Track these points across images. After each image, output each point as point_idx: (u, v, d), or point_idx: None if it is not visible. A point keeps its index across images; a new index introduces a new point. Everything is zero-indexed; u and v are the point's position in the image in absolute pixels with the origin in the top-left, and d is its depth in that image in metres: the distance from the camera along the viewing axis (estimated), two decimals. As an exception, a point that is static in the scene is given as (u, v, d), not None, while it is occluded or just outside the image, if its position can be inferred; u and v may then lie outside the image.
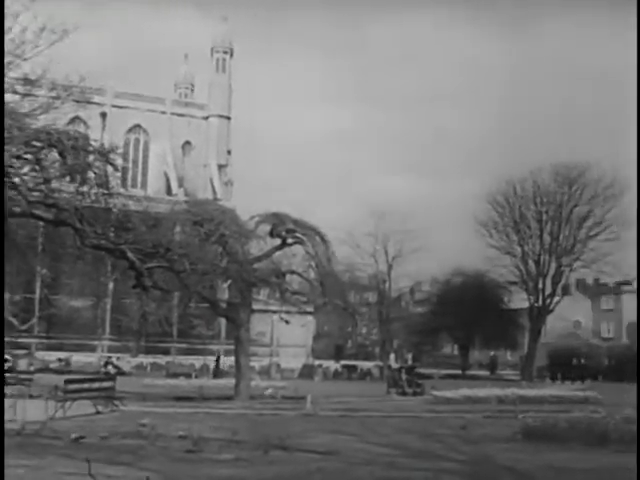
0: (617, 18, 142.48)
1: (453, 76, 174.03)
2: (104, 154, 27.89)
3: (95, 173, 27.05)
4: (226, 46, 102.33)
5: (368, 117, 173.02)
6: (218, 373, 57.76)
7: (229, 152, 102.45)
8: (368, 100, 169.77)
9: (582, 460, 16.59)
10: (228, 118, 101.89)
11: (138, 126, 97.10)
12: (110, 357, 65.56)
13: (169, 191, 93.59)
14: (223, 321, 65.91)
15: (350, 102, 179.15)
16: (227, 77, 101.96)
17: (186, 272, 32.19)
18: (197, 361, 67.56)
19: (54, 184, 27.13)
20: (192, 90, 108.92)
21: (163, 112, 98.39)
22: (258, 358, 64.74)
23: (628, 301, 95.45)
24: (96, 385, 28.51)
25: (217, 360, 60.48)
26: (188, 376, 55.29)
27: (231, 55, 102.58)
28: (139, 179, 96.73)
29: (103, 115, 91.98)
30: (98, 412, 26.12)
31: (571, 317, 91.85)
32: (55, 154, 26.35)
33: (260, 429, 22.19)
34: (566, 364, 76.03)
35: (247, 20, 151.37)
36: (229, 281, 38.75)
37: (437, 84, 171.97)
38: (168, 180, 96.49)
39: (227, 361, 56.09)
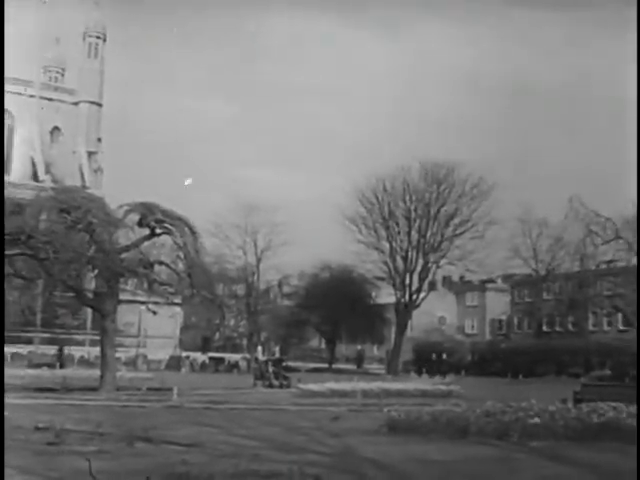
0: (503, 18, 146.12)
1: (339, 74, 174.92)
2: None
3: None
4: (99, 31, 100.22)
5: (243, 109, 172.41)
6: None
7: (99, 139, 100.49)
8: (245, 92, 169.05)
9: (443, 452, 16.93)
10: (99, 105, 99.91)
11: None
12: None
13: (35, 177, 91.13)
14: (89, 311, 64.63)
15: (225, 93, 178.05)
16: (99, 62, 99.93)
17: (50, 260, 31.43)
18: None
19: None
20: (63, 75, 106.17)
21: (31, 95, 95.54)
22: (125, 349, 63.89)
23: (492, 298, 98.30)
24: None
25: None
26: (51, 366, 54.03)
27: (104, 40, 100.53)
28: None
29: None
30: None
31: (436, 313, 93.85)
32: None
33: (125, 421, 21.85)
34: (431, 359, 77.66)
35: (126, 6, 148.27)
36: (96, 270, 38.03)
37: (321, 81, 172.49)
38: (34, 166, 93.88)
39: (93, 351, 55.12)
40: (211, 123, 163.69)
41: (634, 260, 54.99)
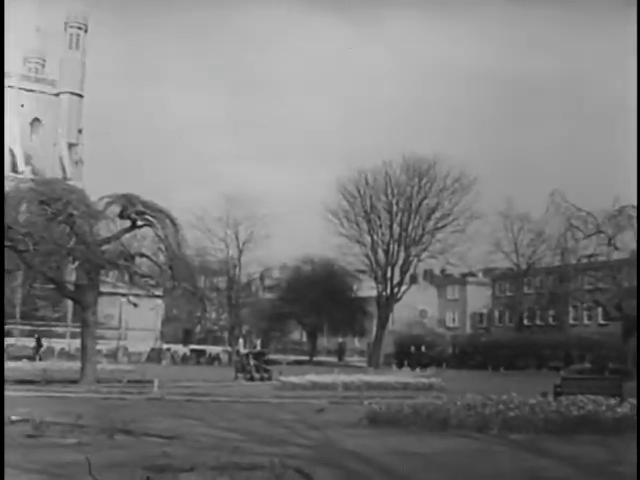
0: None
1: (318, 66, 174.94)
2: None
3: None
4: (80, 22, 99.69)
5: (225, 102, 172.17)
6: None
7: (80, 131, 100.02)
8: (227, 86, 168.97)
9: (423, 444, 16.98)
10: (80, 96, 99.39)
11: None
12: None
13: (15, 168, 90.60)
14: (70, 303, 64.40)
15: (209, 87, 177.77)
16: (81, 53, 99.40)
17: (29, 252, 31.28)
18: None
19: None
20: (43, 65, 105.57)
21: (10, 86, 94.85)
22: (106, 341, 63.75)
23: (473, 292, 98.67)
24: None
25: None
26: (31, 359, 53.79)
27: (86, 31, 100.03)
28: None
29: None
30: None
31: (418, 306, 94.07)
32: None
33: (105, 413, 21.78)
34: (412, 352, 77.86)
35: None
36: (76, 262, 37.88)
37: (301, 73, 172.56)
38: (14, 157, 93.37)
39: (73, 344, 54.94)
40: (195, 116, 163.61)
41: (614, 255, 55.25)
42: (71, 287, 39.51)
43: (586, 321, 77.55)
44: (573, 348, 69.66)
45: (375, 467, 13.77)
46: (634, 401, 20.54)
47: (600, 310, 68.33)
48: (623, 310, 54.94)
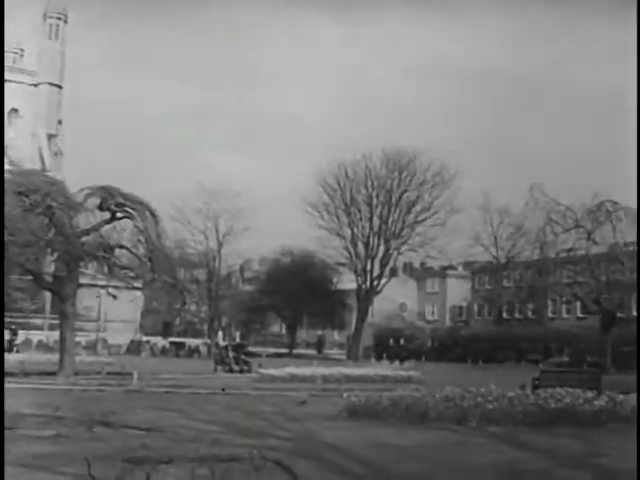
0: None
1: (295, 57, 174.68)
2: None
3: None
4: (60, 12, 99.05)
5: (206, 94, 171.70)
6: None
7: (60, 122, 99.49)
8: (205, 77, 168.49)
9: (402, 436, 17.03)
10: (59, 87, 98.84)
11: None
12: None
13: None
14: (48, 295, 64.09)
15: (188, 78, 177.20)
16: (60, 44, 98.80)
17: (6, 243, 31.09)
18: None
19: None
20: (22, 56, 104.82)
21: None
22: (85, 333, 63.49)
23: (452, 285, 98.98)
24: None
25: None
26: (9, 351, 53.52)
27: (65, 22, 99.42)
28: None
29: None
30: None
31: (397, 299, 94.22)
32: None
33: (84, 405, 21.74)
34: (391, 344, 78.10)
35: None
36: (55, 254, 37.70)
37: (285, 66, 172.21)
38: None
39: (52, 336, 54.70)
40: (175, 107, 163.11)
41: (593, 249, 55.52)
42: (49, 279, 39.32)
43: (565, 314, 77.91)
44: (552, 341, 70.03)
45: (354, 459, 13.79)
46: (611, 394, 20.70)
47: (578, 304, 68.65)
48: (601, 304, 55.29)
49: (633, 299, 66.36)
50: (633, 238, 54.25)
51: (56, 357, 37.53)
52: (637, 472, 11.10)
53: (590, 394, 20.61)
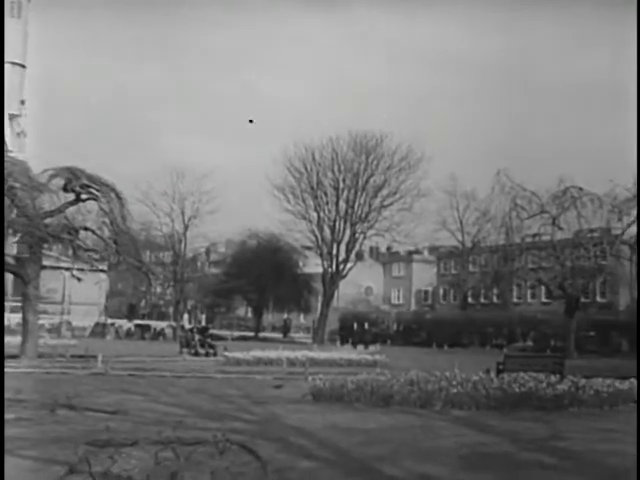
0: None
1: (265, 41, 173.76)
2: None
3: None
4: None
5: (173, 75, 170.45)
6: None
7: (22, 102, 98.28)
8: (175, 58, 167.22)
9: (366, 420, 17.07)
10: (22, 66, 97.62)
11: None
12: None
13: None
14: (10, 277, 63.41)
15: (154, 61, 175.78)
16: (23, 23, 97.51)
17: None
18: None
19: None
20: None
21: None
22: (48, 316, 62.99)
23: (418, 269, 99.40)
24: None
25: None
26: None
27: (28, 0, 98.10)
28: None
29: None
30: None
31: (363, 283, 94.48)
32: None
33: (47, 388, 21.61)
34: (357, 328, 78.32)
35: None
36: (18, 235, 37.30)
37: (253, 49, 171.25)
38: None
39: (14, 318, 54.15)
40: (141, 88, 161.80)
41: (558, 234, 55.88)
42: (11, 260, 38.88)
43: (530, 299, 78.57)
44: (516, 326, 70.60)
45: (318, 442, 13.81)
46: (574, 378, 20.91)
47: (543, 289, 69.22)
48: (565, 289, 55.72)
49: (597, 285, 67.07)
50: (597, 224, 54.76)
51: (18, 340, 37.12)
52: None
53: (553, 378, 20.81)
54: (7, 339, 43.36)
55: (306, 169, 78.66)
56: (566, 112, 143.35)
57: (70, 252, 40.02)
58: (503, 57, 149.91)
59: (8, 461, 10.65)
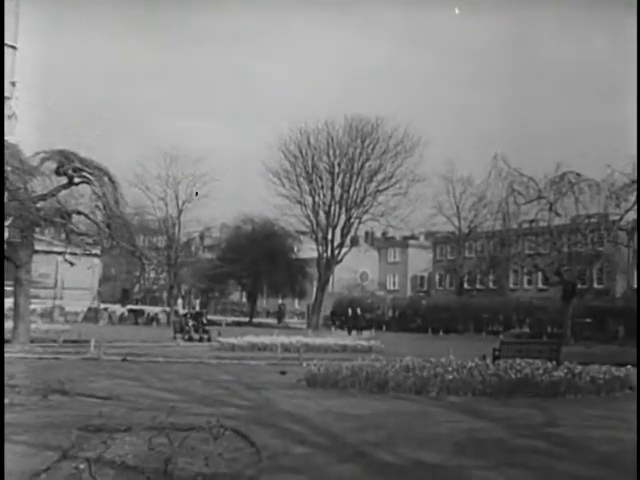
0: None
1: (272, 25, 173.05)
2: None
3: None
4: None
5: (167, 57, 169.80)
6: None
7: (14, 84, 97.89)
8: (169, 40, 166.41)
9: (361, 406, 16.98)
10: (13, 47, 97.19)
11: None
12: None
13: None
14: (2, 261, 63.08)
15: (150, 41, 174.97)
16: (15, 3, 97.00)
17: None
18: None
19: None
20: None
21: None
22: (41, 300, 62.77)
23: (414, 255, 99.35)
24: None
25: None
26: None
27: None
28: None
29: None
30: None
31: (358, 268, 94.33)
32: None
33: (39, 373, 21.46)
34: (352, 314, 78.24)
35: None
36: (9, 219, 37.04)
37: (249, 30, 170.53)
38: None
39: (6, 303, 53.92)
40: (134, 70, 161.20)
41: (555, 220, 55.71)
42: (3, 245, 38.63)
43: (526, 286, 78.50)
44: (513, 312, 70.51)
45: (312, 428, 13.70)
46: (570, 365, 20.85)
47: (540, 275, 69.10)
48: (562, 275, 55.61)
49: (594, 271, 67.02)
50: (595, 210, 54.61)
51: (10, 325, 36.93)
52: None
53: (549, 365, 20.75)
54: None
55: (301, 153, 78.29)
56: (564, 96, 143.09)
57: (63, 236, 39.80)
58: (500, 42, 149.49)
59: None
